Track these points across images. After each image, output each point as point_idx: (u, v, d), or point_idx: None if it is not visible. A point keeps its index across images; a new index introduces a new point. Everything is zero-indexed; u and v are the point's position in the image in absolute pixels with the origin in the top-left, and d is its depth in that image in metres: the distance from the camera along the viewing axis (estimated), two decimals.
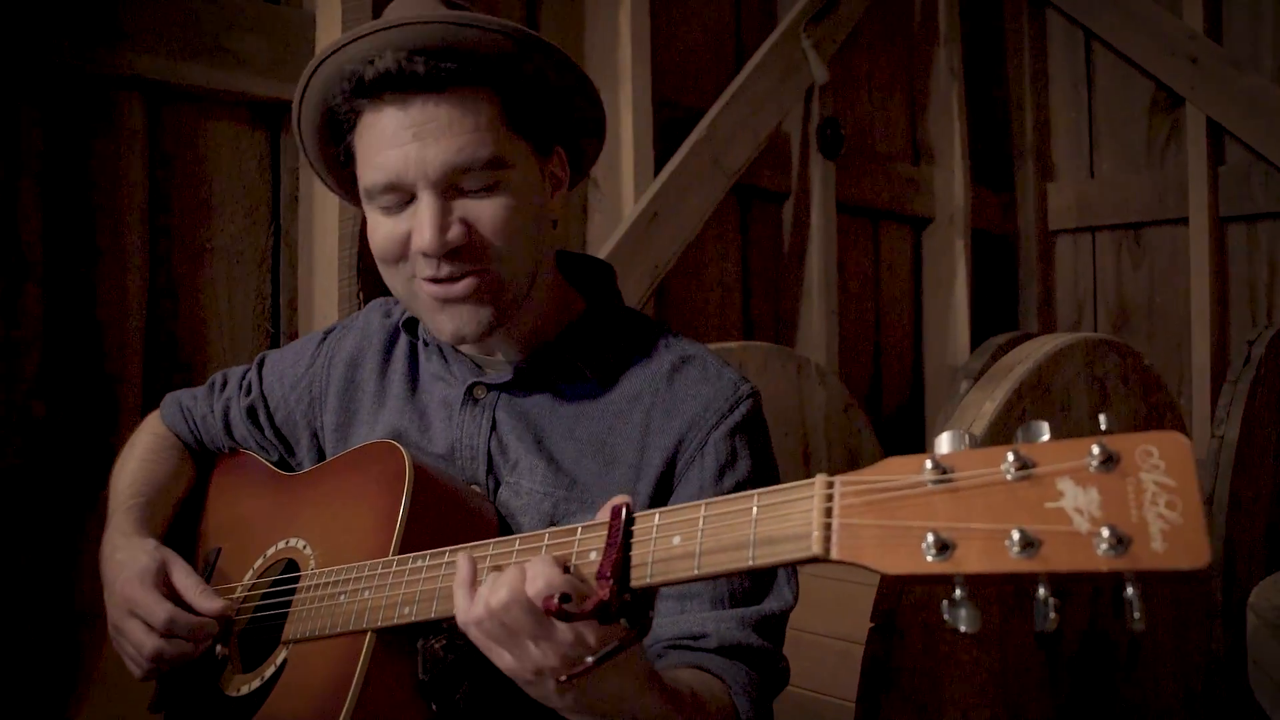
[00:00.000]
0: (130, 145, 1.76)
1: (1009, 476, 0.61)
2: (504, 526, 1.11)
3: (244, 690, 1.05)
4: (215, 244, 1.86)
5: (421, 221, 1.03)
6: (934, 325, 3.33)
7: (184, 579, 1.12)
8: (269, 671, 1.05)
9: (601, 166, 2.40)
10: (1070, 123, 3.65)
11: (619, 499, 0.83)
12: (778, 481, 1.14)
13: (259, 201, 1.92)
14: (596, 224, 2.43)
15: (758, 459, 1.12)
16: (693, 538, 0.76)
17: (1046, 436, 0.62)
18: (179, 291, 1.82)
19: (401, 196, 1.05)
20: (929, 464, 0.63)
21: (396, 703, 0.94)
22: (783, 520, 0.71)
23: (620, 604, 0.76)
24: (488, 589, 0.82)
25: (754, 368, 2.36)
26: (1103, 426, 0.60)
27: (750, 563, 0.72)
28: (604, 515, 0.84)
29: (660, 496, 1.10)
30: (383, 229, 1.08)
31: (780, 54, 2.63)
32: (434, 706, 0.94)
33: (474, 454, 1.14)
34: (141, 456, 1.32)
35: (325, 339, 1.33)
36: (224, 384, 1.37)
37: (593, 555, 0.81)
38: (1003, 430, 1.58)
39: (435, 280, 1.05)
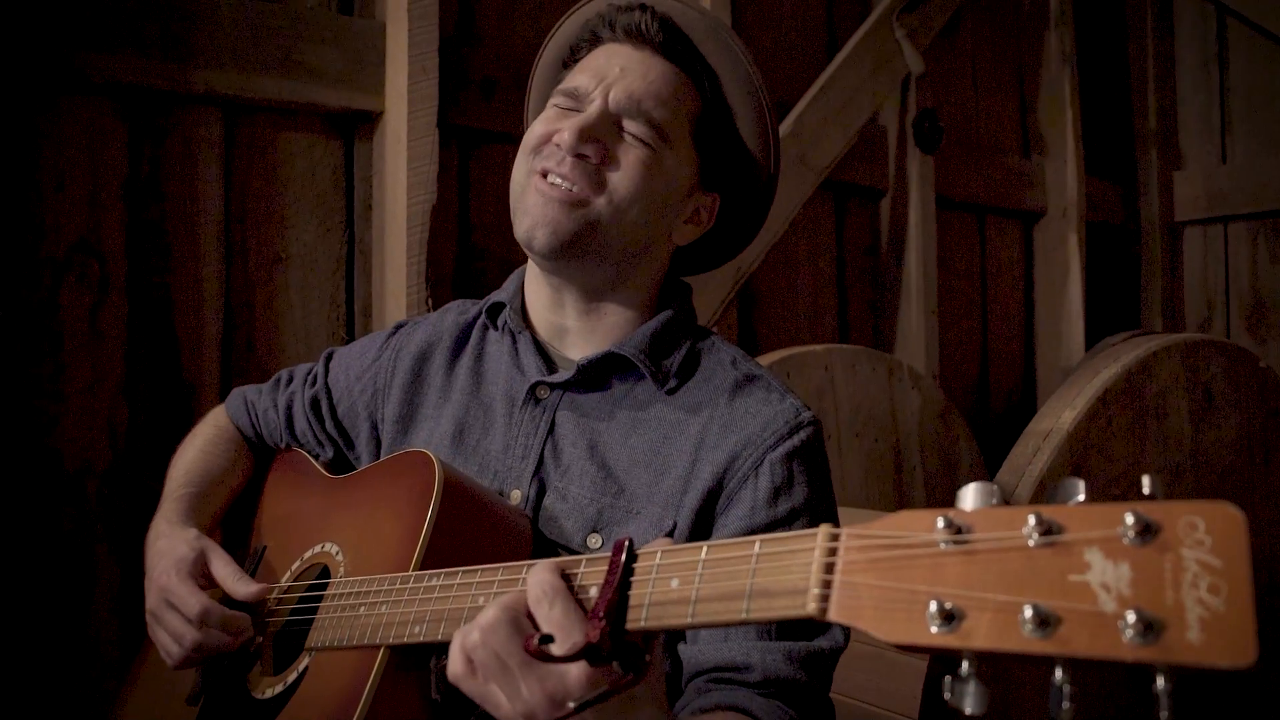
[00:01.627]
0: (207, 158, 1.79)
1: (1031, 543, 0.52)
2: (541, 535, 1.08)
3: (268, 694, 1.05)
4: (290, 252, 1.88)
5: (575, 120, 1.09)
6: (1046, 325, 3.15)
7: (222, 567, 1.13)
8: (291, 678, 1.04)
9: None
10: (1199, 106, 3.41)
11: (622, 537, 0.78)
12: (834, 516, 1.09)
13: (333, 210, 1.93)
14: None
15: (815, 487, 1.07)
16: (690, 582, 0.70)
17: (1081, 497, 0.53)
18: (254, 299, 1.84)
19: (578, 102, 1.12)
20: (941, 522, 0.55)
21: None
22: (781, 572, 0.64)
23: (613, 647, 0.71)
24: (486, 615, 0.78)
25: (842, 371, 2.27)
26: (1145, 490, 0.51)
27: (744, 615, 0.66)
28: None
29: (705, 513, 1.06)
30: (541, 122, 1.14)
31: (871, 45, 2.51)
32: None
33: (526, 453, 1.13)
34: (200, 447, 1.34)
35: (395, 333, 1.33)
36: (289, 380, 1.38)
37: (593, 591, 0.76)
38: (1082, 445, 1.45)
39: (547, 174, 1.09)
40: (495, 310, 1.23)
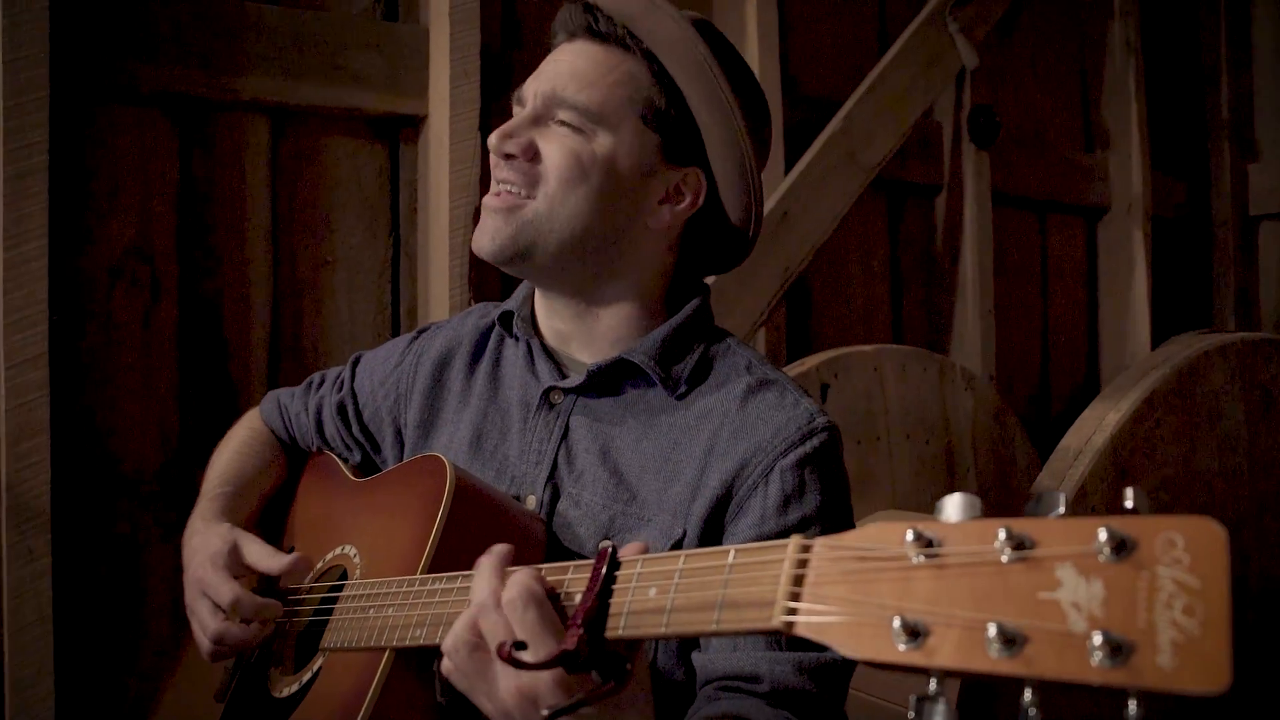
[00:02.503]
0: (254, 164, 1.83)
1: (1003, 558, 0.50)
2: (556, 541, 1.08)
3: (285, 693, 1.07)
4: (336, 256, 1.91)
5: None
6: (1110, 323, 3.06)
7: (254, 550, 1.14)
8: (306, 677, 1.05)
9: None
10: (1275, 96, 3.28)
11: (606, 542, 0.77)
12: (850, 525, 1.07)
13: (378, 213, 1.96)
14: None
15: (829, 495, 1.05)
16: (666, 591, 0.69)
17: (1061, 510, 0.51)
18: (302, 302, 1.87)
19: (522, 106, 1.12)
20: (911, 535, 0.54)
21: None
22: (752, 584, 0.63)
23: (590, 655, 0.70)
24: (460, 621, 0.78)
25: (891, 372, 2.23)
26: (1127, 504, 0.49)
27: (715, 626, 0.65)
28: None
29: (714, 521, 1.04)
30: None
31: (924, 40, 2.46)
32: None
33: (540, 459, 1.13)
34: (235, 449, 1.36)
35: (418, 337, 1.34)
36: (319, 383, 1.39)
37: (577, 598, 0.76)
38: (1127, 448, 1.40)
39: (491, 191, 1.11)
40: (507, 318, 1.23)
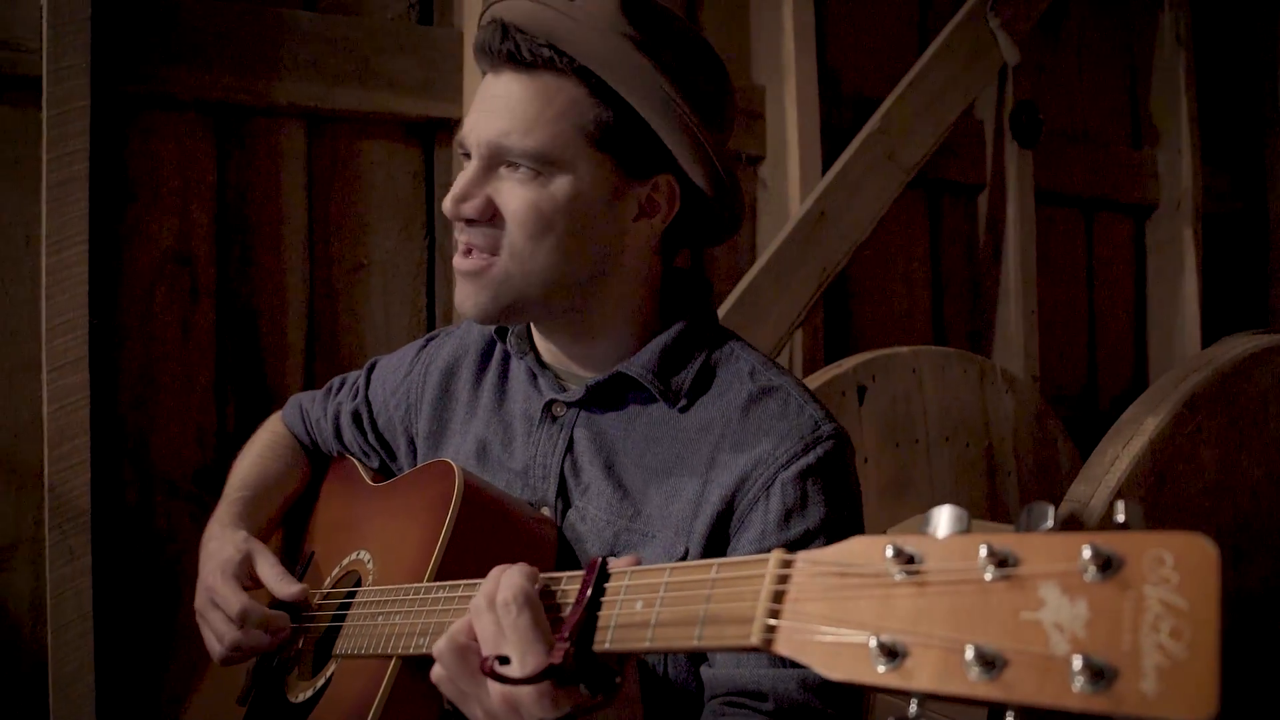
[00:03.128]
0: (290, 168, 1.85)
1: (987, 576, 0.49)
2: (567, 552, 1.07)
3: (300, 698, 1.08)
4: (372, 258, 1.93)
5: (454, 183, 1.04)
6: (1159, 323, 2.99)
7: (267, 568, 1.15)
8: (320, 683, 1.06)
9: (768, 166, 2.31)
10: None
11: (596, 557, 0.77)
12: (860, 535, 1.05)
13: (413, 216, 1.97)
14: (765, 226, 2.34)
15: (834, 507, 1.01)
16: (652, 605, 0.68)
17: (1049, 524, 0.50)
18: (337, 304, 1.90)
19: (468, 155, 1.06)
20: (890, 551, 0.53)
21: None
22: (734, 599, 0.62)
23: (577, 668, 0.70)
24: (445, 637, 0.78)
25: (930, 373, 2.20)
26: (1119, 518, 0.48)
27: (697, 642, 0.63)
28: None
29: (717, 537, 1.01)
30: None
31: (964, 37, 2.42)
32: None
33: (546, 473, 1.11)
34: (257, 453, 1.37)
35: (425, 346, 1.33)
36: (339, 388, 1.40)
37: (567, 610, 0.75)
38: (1166, 453, 1.36)
39: (460, 248, 1.06)
40: (502, 334, 1.21)
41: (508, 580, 0.77)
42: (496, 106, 1.03)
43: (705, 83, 1.07)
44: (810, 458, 1.01)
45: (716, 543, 1.01)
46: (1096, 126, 2.92)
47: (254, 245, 1.83)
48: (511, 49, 1.01)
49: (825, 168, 2.27)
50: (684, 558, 1.01)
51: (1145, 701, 0.42)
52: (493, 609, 0.77)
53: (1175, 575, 0.44)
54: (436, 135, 1.97)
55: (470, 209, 1.03)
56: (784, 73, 2.26)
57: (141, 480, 1.73)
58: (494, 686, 0.75)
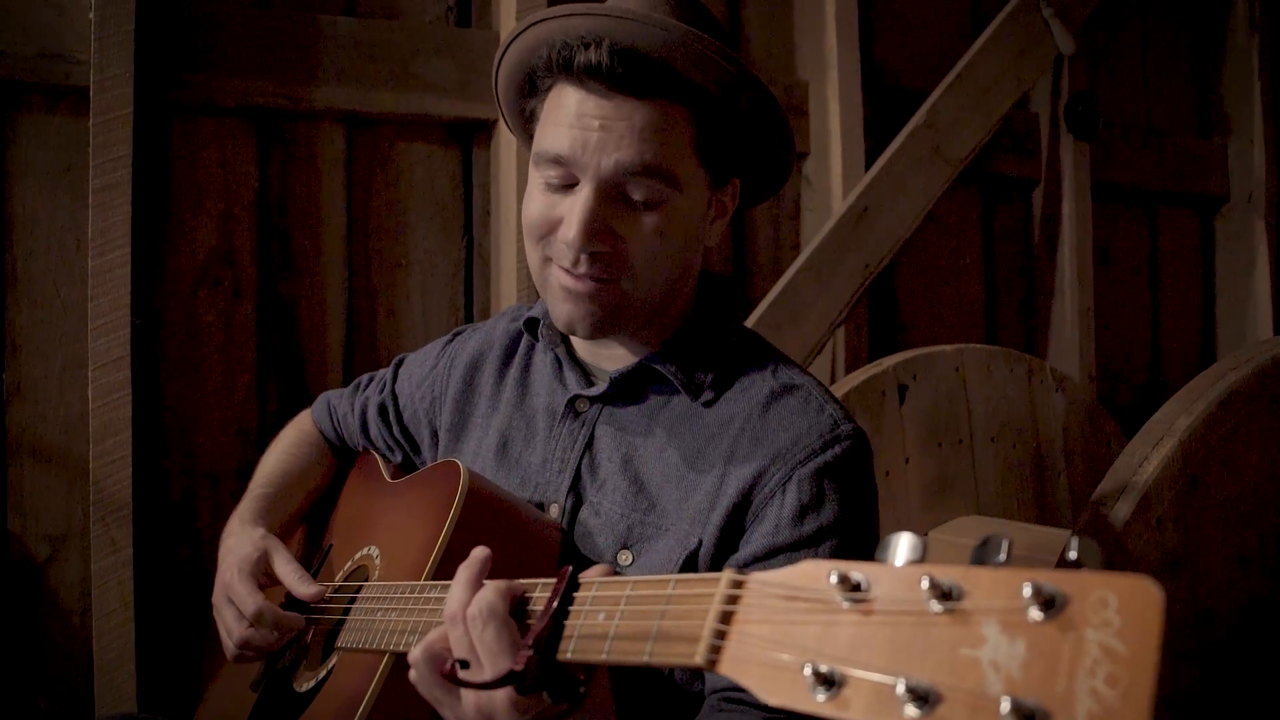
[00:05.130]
0: (330, 170, 1.88)
1: (932, 608, 0.47)
2: (575, 550, 1.08)
3: (304, 687, 1.10)
4: (410, 258, 1.95)
5: (573, 213, 1.01)
6: (1229, 322, 2.88)
7: (284, 566, 1.17)
8: (322, 674, 1.09)
9: (812, 162, 2.28)
10: None
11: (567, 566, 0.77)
12: (873, 539, 1.03)
13: (451, 216, 1.99)
14: (808, 223, 2.31)
15: (848, 508, 1.01)
16: (613, 617, 0.68)
17: (1001, 557, 0.48)
18: (376, 304, 1.92)
19: (566, 176, 1.02)
20: (834, 577, 0.51)
21: None
22: (685, 616, 0.61)
23: (539, 676, 0.70)
24: (428, 639, 0.79)
25: (975, 372, 2.14)
26: (1070, 555, 0.46)
27: (647, 658, 0.63)
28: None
29: (731, 529, 1.02)
30: (538, 203, 1.06)
31: (1016, 27, 2.36)
32: None
33: (563, 467, 1.12)
34: (283, 449, 1.41)
35: (451, 341, 1.35)
36: (366, 384, 1.42)
37: (538, 616, 0.76)
38: (1199, 455, 1.31)
39: (567, 271, 1.04)
40: (532, 325, 1.22)
41: (480, 596, 0.78)
42: (617, 129, 1.00)
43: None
44: (828, 455, 1.02)
45: (731, 535, 1.02)
46: (1161, 117, 2.82)
47: (294, 246, 1.86)
48: (622, 72, 0.99)
49: (870, 163, 2.23)
50: (697, 550, 1.02)
51: None
52: (463, 621, 0.77)
53: (1117, 619, 0.42)
54: (475, 136, 1.99)
55: (601, 243, 1.02)
56: (827, 68, 2.23)
57: (185, 475, 1.77)
58: (465, 694, 0.76)
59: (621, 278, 1.03)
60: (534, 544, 1.05)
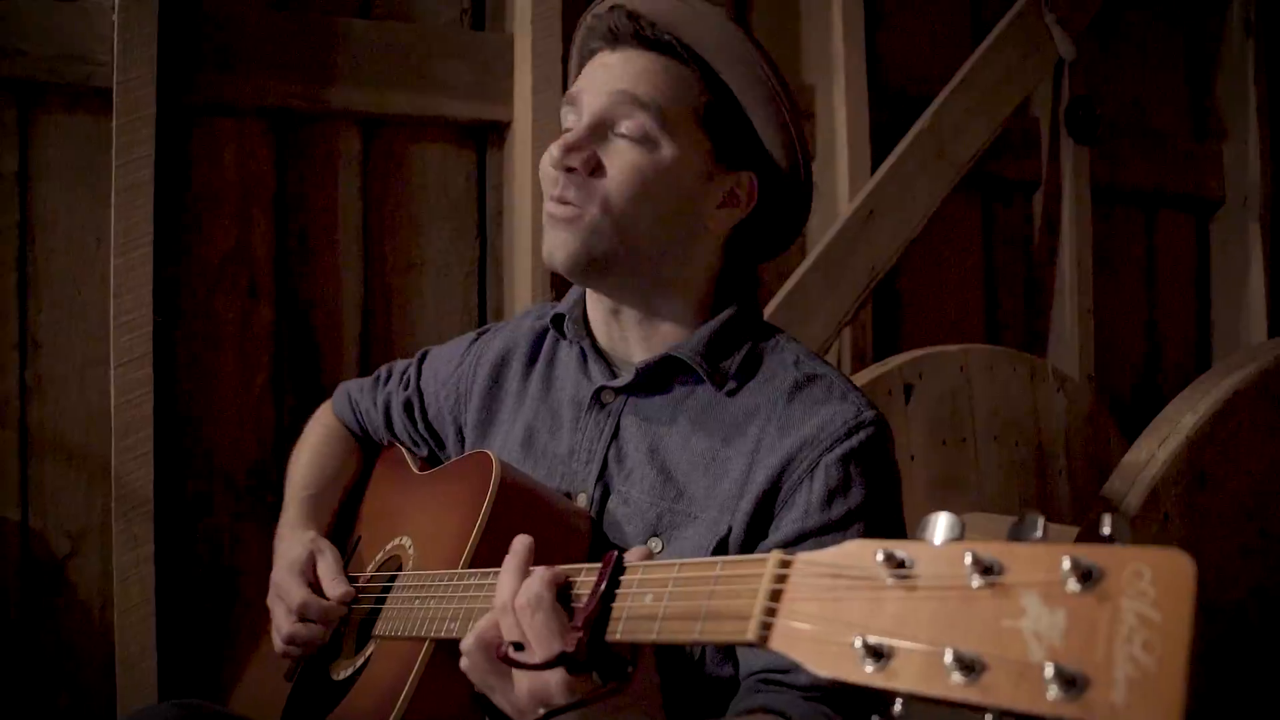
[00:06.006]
0: (347, 171, 1.91)
1: (973, 583, 0.50)
2: (604, 539, 1.11)
3: (342, 675, 1.13)
4: (425, 258, 1.98)
5: (563, 135, 1.10)
6: (1223, 323, 2.92)
7: (324, 567, 1.21)
8: (359, 662, 1.11)
9: (818, 164, 2.30)
10: None
11: (610, 552, 0.80)
12: (899, 522, 1.07)
13: (465, 217, 2.01)
14: (814, 225, 2.33)
15: (874, 491, 1.05)
16: (661, 599, 0.71)
17: (1039, 534, 0.51)
18: (391, 303, 1.95)
19: (577, 115, 1.11)
20: (881, 555, 0.54)
21: (451, 710, 0.97)
22: (734, 596, 0.65)
23: (590, 656, 0.73)
24: (479, 624, 0.82)
25: (978, 372, 2.18)
26: (1104, 530, 0.49)
27: (697, 635, 0.67)
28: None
29: (761, 516, 1.05)
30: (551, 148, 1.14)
31: (1018, 32, 2.39)
32: (487, 719, 0.96)
33: (590, 458, 1.15)
34: (313, 447, 1.43)
35: (477, 339, 1.38)
36: (388, 377, 1.44)
37: (583, 602, 0.79)
38: (1204, 452, 1.34)
39: (552, 198, 1.10)
40: (558, 320, 1.24)
41: (528, 584, 0.81)
42: (617, 70, 1.10)
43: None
44: (853, 441, 1.04)
45: (760, 521, 1.05)
46: (1157, 120, 2.86)
47: (311, 246, 1.88)
48: (637, 29, 1.10)
49: (875, 166, 2.27)
50: (727, 536, 1.04)
51: (1114, 711, 0.43)
52: (512, 610, 0.80)
53: (1152, 590, 0.45)
54: (489, 138, 2.01)
55: (576, 159, 1.07)
56: (833, 71, 2.26)
57: (202, 473, 1.80)
58: (520, 679, 0.79)
59: (595, 205, 1.07)
60: (566, 532, 1.07)
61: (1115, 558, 0.47)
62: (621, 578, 0.77)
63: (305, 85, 1.82)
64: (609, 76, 1.10)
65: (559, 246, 1.09)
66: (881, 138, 2.29)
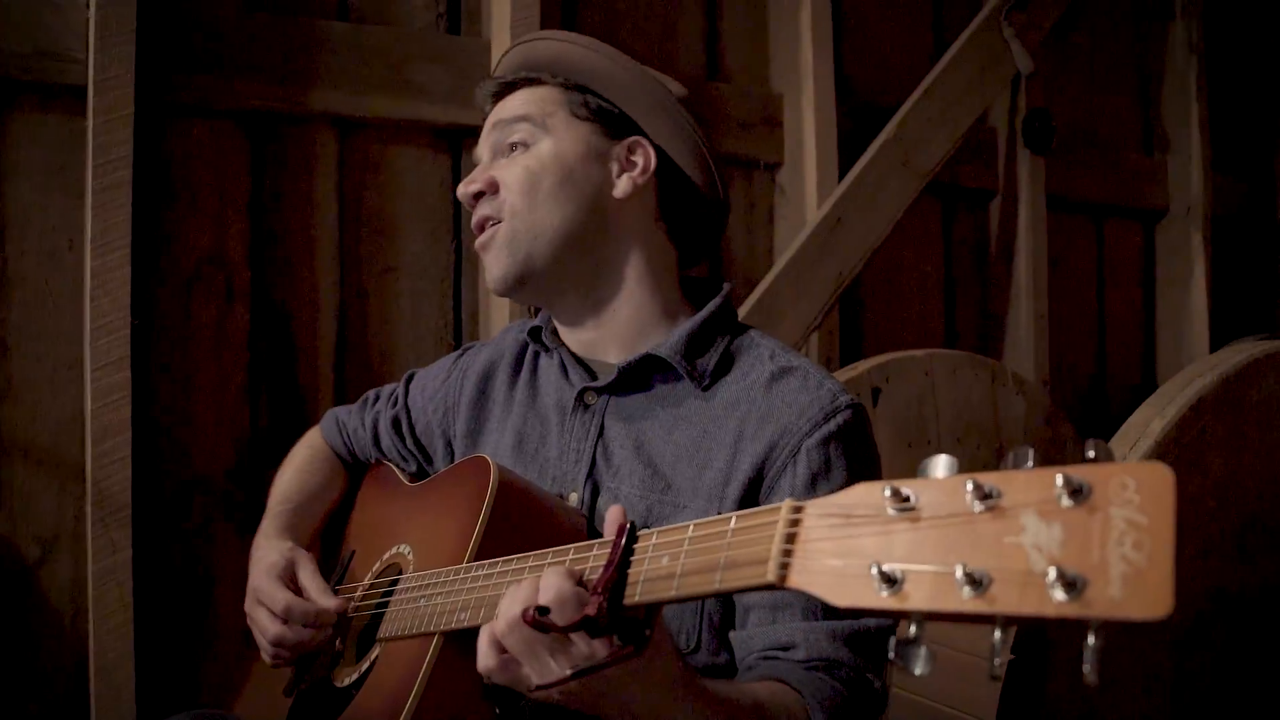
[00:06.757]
0: (323, 174, 1.92)
1: (975, 509, 0.55)
2: (596, 534, 1.13)
3: (346, 682, 1.14)
4: (400, 262, 1.99)
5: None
6: (1168, 328, 3.02)
7: (308, 579, 1.22)
8: (365, 666, 1.12)
9: (786, 172, 2.37)
10: None
11: (619, 515, 0.83)
12: None
13: (441, 221, 2.04)
14: (782, 231, 2.40)
15: (856, 470, 1.10)
16: (677, 558, 0.75)
17: (1030, 464, 0.56)
18: (367, 307, 1.96)
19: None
20: (887, 492, 0.59)
21: (461, 703, 0.98)
22: (750, 545, 0.69)
23: (610, 620, 0.76)
24: (506, 602, 0.84)
25: (942, 376, 2.24)
26: (1089, 454, 0.53)
27: (717, 585, 0.70)
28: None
29: (748, 502, 1.09)
30: None
31: (978, 46, 2.48)
32: (498, 710, 0.97)
33: (579, 457, 1.19)
34: (298, 467, 1.45)
35: (462, 355, 1.43)
36: (375, 400, 1.48)
37: (598, 573, 0.81)
38: (1171, 455, 1.41)
39: (474, 227, 1.23)
40: (535, 333, 1.30)
41: (545, 580, 0.83)
42: (496, 113, 1.27)
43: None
44: (832, 425, 1.09)
45: (748, 506, 1.07)
46: (1108, 133, 2.97)
47: (287, 249, 1.89)
48: (503, 82, 1.28)
49: (842, 174, 2.33)
50: None
51: (1112, 604, 0.48)
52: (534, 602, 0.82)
53: (1137, 497, 0.50)
54: (465, 141, 2.04)
55: (476, 184, 1.22)
56: (802, 80, 2.32)
57: (177, 476, 1.79)
58: (556, 652, 0.80)
59: (503, 214, 1.20)
60: (561, 529, 1.10)
61: (1102, 473, 0.51)
62: (635, 546, 0.81)
63: (282, 87, 1.84)
64: (492, 120, 1.26)
65: (493, 267, 1.21)
66: (848, 146, 2.35)
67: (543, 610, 0.79)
